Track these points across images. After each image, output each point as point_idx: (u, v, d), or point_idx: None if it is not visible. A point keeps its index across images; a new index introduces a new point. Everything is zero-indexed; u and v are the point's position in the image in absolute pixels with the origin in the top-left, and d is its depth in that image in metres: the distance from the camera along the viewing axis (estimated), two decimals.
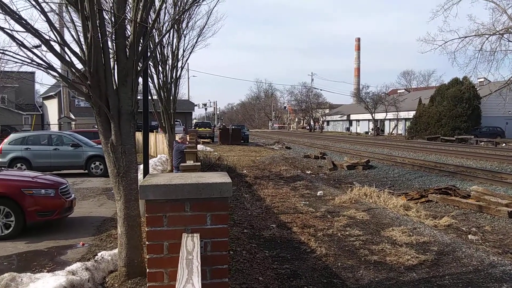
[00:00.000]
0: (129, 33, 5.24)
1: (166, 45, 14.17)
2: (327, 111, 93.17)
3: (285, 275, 6.01)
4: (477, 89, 45.87)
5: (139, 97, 6.41)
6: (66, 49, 4.86)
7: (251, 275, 5.84)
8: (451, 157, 22.95)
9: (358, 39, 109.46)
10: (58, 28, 5.03)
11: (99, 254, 5.81)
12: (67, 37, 5.80)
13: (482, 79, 49.21)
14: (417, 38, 63.98)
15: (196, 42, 15.33)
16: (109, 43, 5.17)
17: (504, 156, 21.85)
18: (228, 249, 2.69)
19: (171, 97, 15.20)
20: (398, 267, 6.48)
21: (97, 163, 15.73)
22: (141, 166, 9.05)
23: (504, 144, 33.98)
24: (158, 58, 14.05)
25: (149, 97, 12.01)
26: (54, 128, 34.24)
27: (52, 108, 49.80)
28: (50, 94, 47.56)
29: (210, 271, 2.51)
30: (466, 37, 33.40)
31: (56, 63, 5.52)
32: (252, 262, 6.42)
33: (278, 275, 6.00)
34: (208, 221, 2.52)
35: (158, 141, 23.61)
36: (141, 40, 5.30)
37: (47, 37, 4.68)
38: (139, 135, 17.79)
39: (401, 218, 9.60)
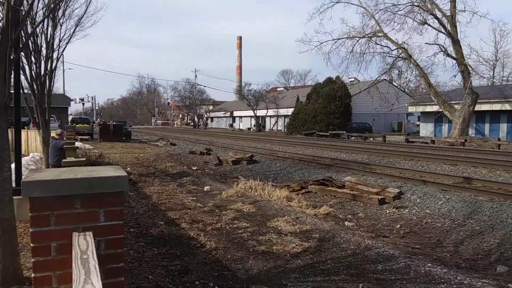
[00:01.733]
0: (1, 17, 4.72)
1: (40, 34, 12.97)
2: (211, 107, 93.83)
3: (176, 271, 5.94)
4: (349, 87, 49.97)
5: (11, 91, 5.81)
6: None
7: (141, 274, 5.67)
8: (326, 151, 24.63)
9: (240, 38, 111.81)
10: None
11: None
12: None
13: (353, 79, 53.79)
14: (295, 38, 67.44)
15: (73, 32, 14.26)
16: None
17: (372, 149, 24.06)
18: (124, 246, 2.58)
19: (46, 91, 13.98)
20: (284, 255, 6.79)
21: None
22: (13, 166, 8.23)
23: (371, 139, 37.41)
24: (31, 48, 12.82)
25: (21, 91, 10.91)
26: None
27: None
28: None
29: (104, 271, 2.36)
30: (339, 39, 36.26)
31: None
32: (140, 261, 6.23)
33: (169, 272, 5.91)
34: (102, 218, 2.37)
35: (31, 139, 21.64)
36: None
37: None
38: (9, 132, 16.11)
39: (285, 209, 10.07)
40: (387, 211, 10.69)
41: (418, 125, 48.73)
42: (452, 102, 34.61)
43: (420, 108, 43.22)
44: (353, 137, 39.48)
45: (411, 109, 45.73)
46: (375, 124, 52.10)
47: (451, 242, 8.45)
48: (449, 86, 45.85)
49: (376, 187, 12.29)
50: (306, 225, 8.47)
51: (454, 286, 5.50)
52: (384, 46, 35.80)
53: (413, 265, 6.26)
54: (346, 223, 9.53)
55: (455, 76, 35.65)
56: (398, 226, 9.54)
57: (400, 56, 35.13)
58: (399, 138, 37.23)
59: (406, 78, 43.49)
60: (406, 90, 51.87)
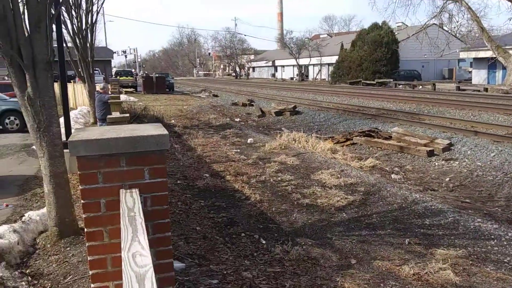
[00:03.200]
0: None
1: None
2: (252, 57, 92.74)
3: (222, 223, 6.06)
4: (396, 33, 47.71)
5: (54, 45, 5.86)
6: None
7: (189, 225, 5.82)
8: (372, 100, 23.96)
9: None
10: None
11: (26, 214, 5.44)
12: None
13: (400, 24, 51.22)
14: None
15: None
16: None
17: (421, 98, 23.17)
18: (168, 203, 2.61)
19: (88, 44, 14.25)
20: (329, 208, 6.76)
21: (12, 117, 14.55)
22: (62, 120, 8.49)
23: (420, 87, 35.97)
24: (71, 2, 12.97)
25: (64, 45, 11.10)
26: None
27: None
28: None
29: (152, 226, 2.42)
30: None
31: None
32: (188, 213, 6.38)
33: (215, 223, 6.03)
34: (146, 176, 2.40)
35: (77, 92, 22.29)
36: None
37: None
38: (56, 86, 16.65)
39: (329, 161, 9.97)
40: (436, 164, 10.37)
41: (470, 72, 46.32)
42: (507, 47, 32.42)
43: (473, 54, 40.84)
44: (401, 86, 38.09)
45: (462, 55, 43.32)
46: (424, 72, 49.89)
47: (503, 196, 8.12)
48: (504, 30, 42.95)
49: (424, 138, 11.89)
50: (351, 178, 8.36)
51: (505, 243, 5.32)
52: None
53: (462, 220, 6.08)
54: (392, 175, 9.33)
55: (510, 20, 32.95)
56: (447, 179, 9.25)
57: None
58: (450, 86, 35.60)
59: (457, 22, 40.80)
60: (457, 35, 48.93)
